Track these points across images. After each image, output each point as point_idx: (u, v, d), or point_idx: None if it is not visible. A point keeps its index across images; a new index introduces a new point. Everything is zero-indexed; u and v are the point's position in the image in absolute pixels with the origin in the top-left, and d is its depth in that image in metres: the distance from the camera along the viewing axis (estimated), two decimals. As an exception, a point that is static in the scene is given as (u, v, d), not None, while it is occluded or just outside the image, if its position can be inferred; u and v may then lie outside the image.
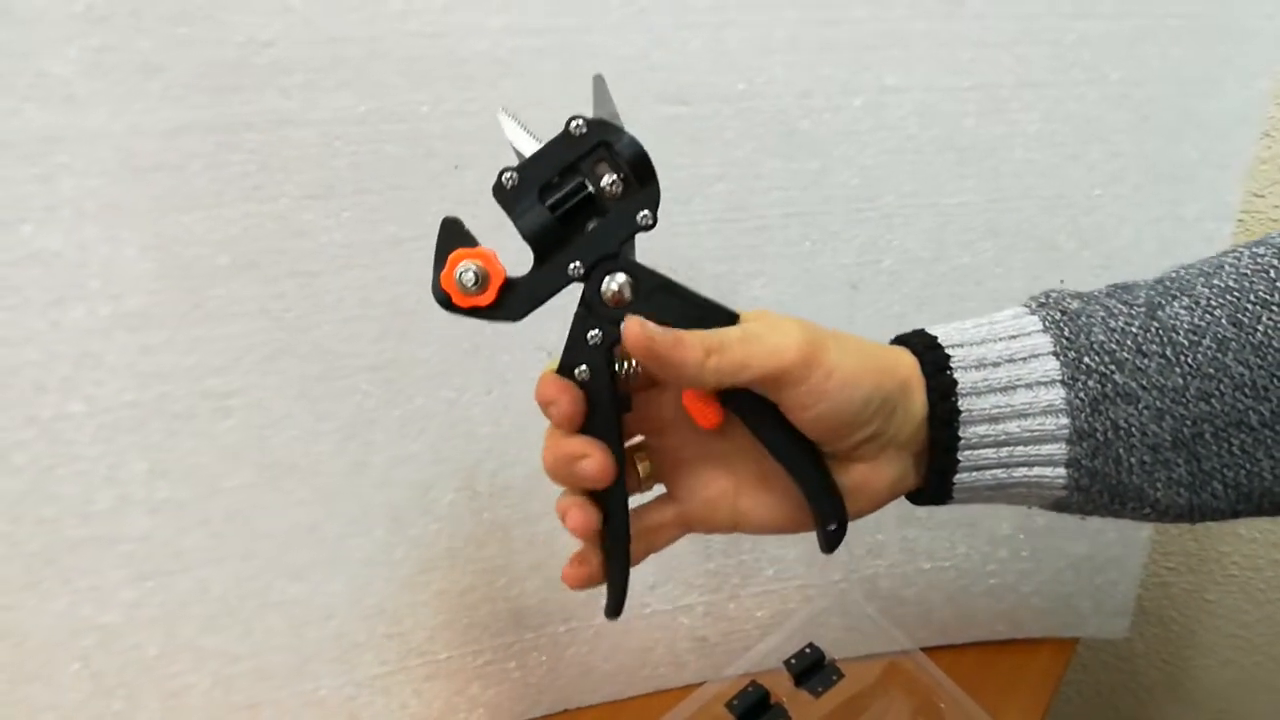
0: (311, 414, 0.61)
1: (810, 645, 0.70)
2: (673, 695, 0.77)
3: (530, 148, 0.41)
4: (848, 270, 0.67)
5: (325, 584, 0.65)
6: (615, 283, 0.41)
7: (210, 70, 0.52)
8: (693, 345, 0.39)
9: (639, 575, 0.72)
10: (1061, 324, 0.43)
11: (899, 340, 0.46)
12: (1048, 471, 0.43)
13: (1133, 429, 0.42)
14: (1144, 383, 0.41)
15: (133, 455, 0.58)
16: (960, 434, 0.43)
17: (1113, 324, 0.42)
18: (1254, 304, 0.41)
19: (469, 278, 0.40)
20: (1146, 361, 0.41)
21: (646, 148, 0.40)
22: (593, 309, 0.41)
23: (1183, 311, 0.42)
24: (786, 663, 0.69)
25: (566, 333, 0.42)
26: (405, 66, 0.55)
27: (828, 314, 0.67)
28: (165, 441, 0.58)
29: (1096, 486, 0.43)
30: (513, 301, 0.41)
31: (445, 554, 0.67)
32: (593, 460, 0.41)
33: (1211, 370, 0.41)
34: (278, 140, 0.55)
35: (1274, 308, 0.41)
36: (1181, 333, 0.41)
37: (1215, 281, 0.42)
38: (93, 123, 0.51)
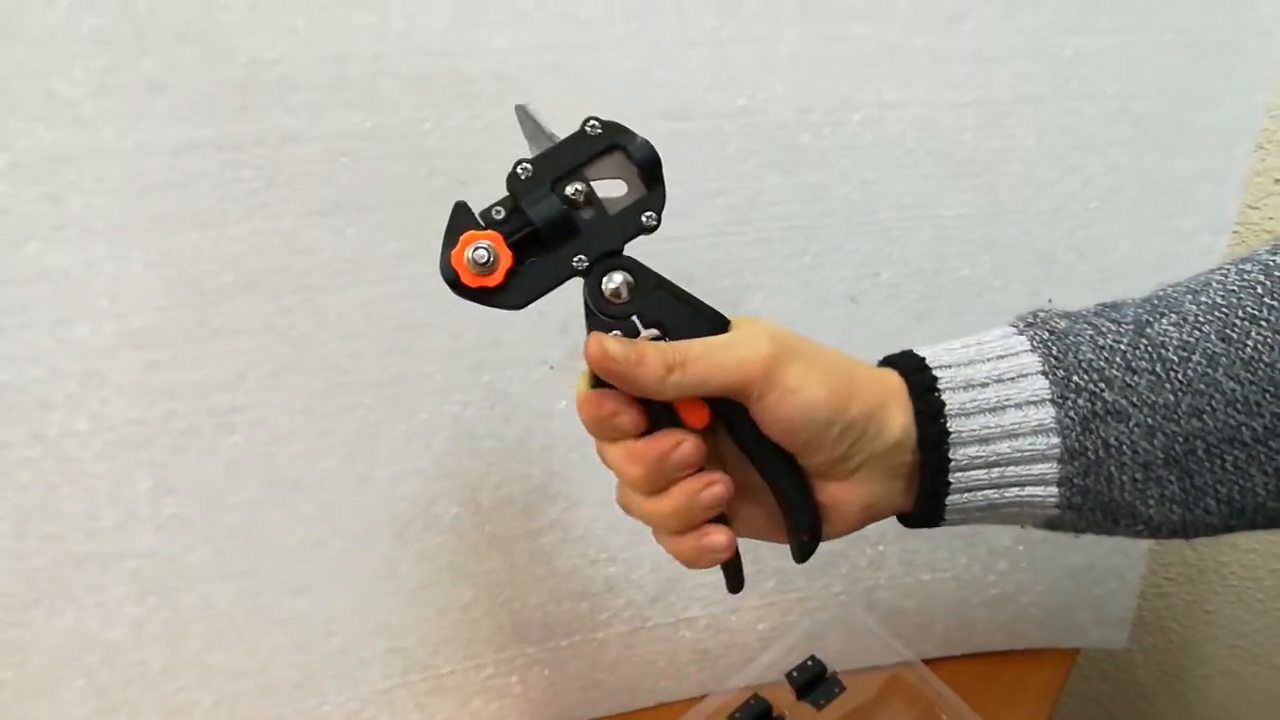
0: (316, 430, 0.61)
1: (812, 658, 0.70)
2: (675, 708, 0.77)
3: (546, 145, 0.42)
4: (848, 283, 0.68)
5: (329, 599, 0.65)
6: (614, 281, 0.42)
7: (216, 89, 0.53)
8: (653, 363, 0.40)
9: (639, 588, 0.73)
10: (1050, 343, 0.43)
11: (887, 361, 0.46)
12: (1039, 491, 0.43)
13: (1124, 447, 0.41)
14: (1134, 400, 0.41)
15: (138, 472, 0.58)
16: (950, 455, 0.43)
17: (1101, 342, 0.42)
18: (1242, 319, 0.41)
19: (481, 254, 0.40)
20: (1136, 379, 0.41)
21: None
22: (595, 308, 0.42)
23: (1171, 328, 0.42)
24: (788, 675, 0.70)
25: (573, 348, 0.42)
26: (409, 84, 0.56)
27: (828, 326, 0.68)
28: (171, 458, 0.58)
29: (1089, 505, 0.43)
30: (517, 286, 0.42)
31: (448, 568, 0.67)
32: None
33: (1202, 386, 0.41)
34: (283, 158, 0.55)
35: (1262, 323, 0.41)
36: (1171, 349, 0.41)
37: (1203, 298, 0.42)
38: (100, 142, 0.52)
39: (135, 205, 0.53)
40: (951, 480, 0.43)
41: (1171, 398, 0.41)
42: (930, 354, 0.44)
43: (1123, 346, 0.42)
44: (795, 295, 0.67)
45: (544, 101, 0.57)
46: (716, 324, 0.43)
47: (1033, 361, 0.43)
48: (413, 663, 0.69)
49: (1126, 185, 0.68)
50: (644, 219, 0.42)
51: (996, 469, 0.43)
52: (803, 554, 0.45)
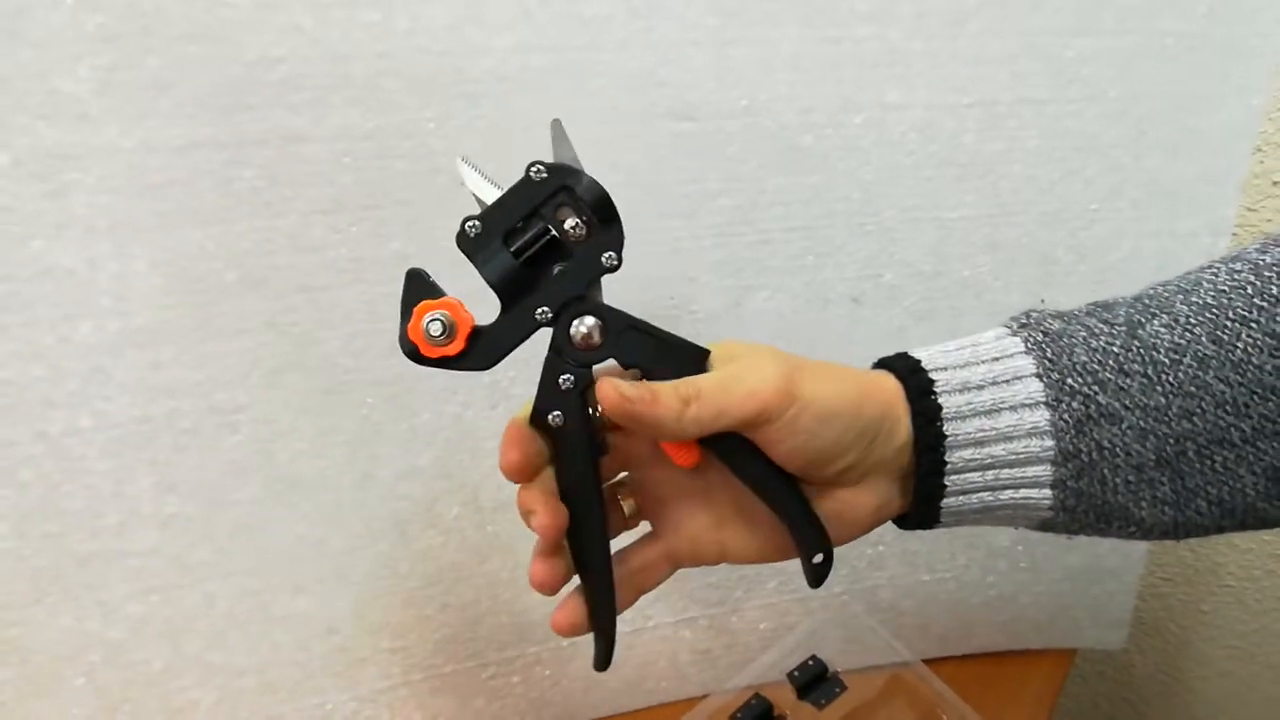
0: (318, 428, 0.61)
1: (813, 657, 0.70)
2: (676, 708, 0.77)
3: (492, 195, 0.41)
4: (850, 284, 0.68)
5: (331, 598, 0.65)
6: (584, 325, 0.41)
7: (220, 87, 0.53)
8: (669, 400, 0.39)
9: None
10: (1044, 345, 0.43)
11: (882, 363, 0.46)
12: (1033, 493, 0.43)
13: (1117, 449, 0.42)
14: (1127, 402, 0.41)
15: (141, 470, 0.58)
16: (946, 458, 0.43)
17: (1094, 344, 0.42)
18: (1233, 321, 0.41)
19: (436, 328, 0.39)
20: (1129, 381, 0.41)
21: (607, 188, 0.40)
22: (563, 353, 0.41)
23: (1163, 330, 0.42)
24: (790, 675, 0.70)
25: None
26: (413, 84, 0.56)
27: (830, 327, 0.68)
28: (173, 456, 0.58)
29: (1082, 507, 0.43)
30: (481, 349, 0.41)
31: (450, 568, 0.68)
32: (538, 518, 0.41)
33: (1193, 389, 0.41)
34: (287, 156, 0.55)
35: (1253, 325, 0.41)
36: (1162, 351, 0.42)
37: (1194, 299, 0.43)
38: (104, 140, 0.52)
39: (139, 203, 0.53)
40: (947, 483, 0.43)
41: (1163, 400, 0.41)
42: (926, 356, 0.44)
43: (1115, 349, 0.42)
44: (797, 296, 0.67)
45: (544, 102, 0.58)
46: (696, 358, 0.42)
47: (1028, 364, 0.43)
48: (414, 662, 0.69)
49: (1127, 187, 0.68)
50: (604, 259, 0.41)
51: (991, 471, 0.43)
52: (818, 577, 0.45)
